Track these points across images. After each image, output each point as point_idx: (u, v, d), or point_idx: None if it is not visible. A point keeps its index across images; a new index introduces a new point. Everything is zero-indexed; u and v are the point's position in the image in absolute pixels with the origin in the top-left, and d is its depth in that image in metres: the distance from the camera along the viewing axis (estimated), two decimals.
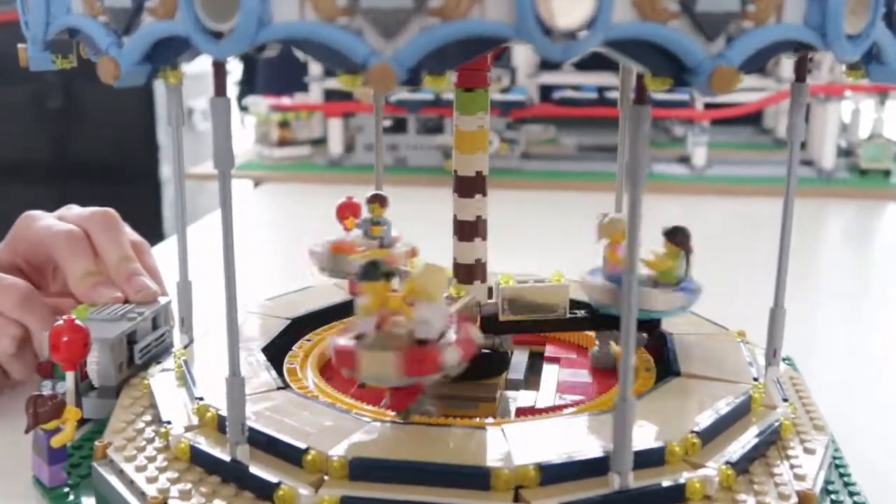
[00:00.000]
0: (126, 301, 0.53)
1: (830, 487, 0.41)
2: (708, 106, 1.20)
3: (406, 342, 0.37)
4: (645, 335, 0.49)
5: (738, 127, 1.41)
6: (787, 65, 1.22)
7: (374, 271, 0.38)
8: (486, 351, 0.49)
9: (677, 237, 0.46)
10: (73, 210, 0.58)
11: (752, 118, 1.42)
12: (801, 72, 0.42)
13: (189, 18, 0.30)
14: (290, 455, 0.38)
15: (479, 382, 0.48)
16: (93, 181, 1.87)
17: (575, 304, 0.49)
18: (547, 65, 1.28)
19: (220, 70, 0.34)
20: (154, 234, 0.62)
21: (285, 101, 1.30)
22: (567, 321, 0.48)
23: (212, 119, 0.35)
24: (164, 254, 0.61)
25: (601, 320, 0.48)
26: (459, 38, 0.29)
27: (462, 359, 0.38)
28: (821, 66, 1.17)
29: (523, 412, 0.46)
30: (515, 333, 0.49)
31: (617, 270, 0.45)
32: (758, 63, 0.31)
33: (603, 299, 0.46)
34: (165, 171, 1.97)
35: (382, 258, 0.40)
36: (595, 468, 0.37)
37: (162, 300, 0.54)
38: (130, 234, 0.59)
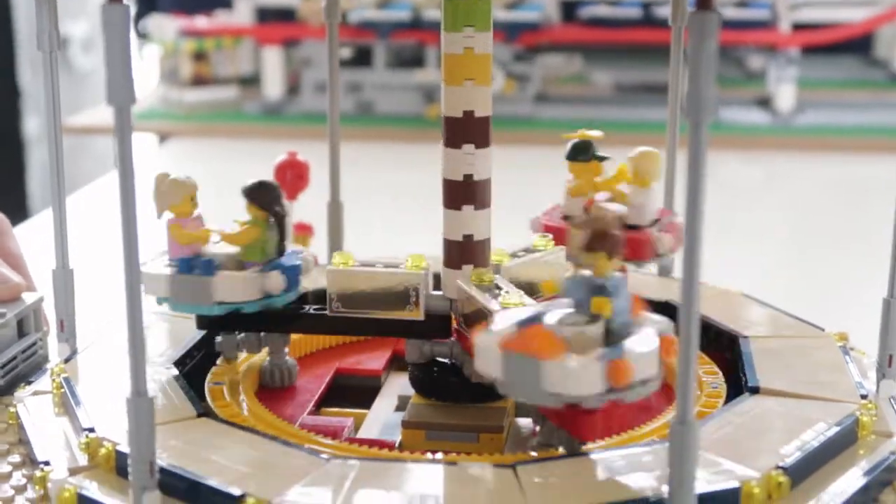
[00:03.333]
0: None
1: None
2: (797, 27, 1.21)
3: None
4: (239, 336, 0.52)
5: (839, 57, 1.43)
6: None
7: (580, 152, 0.51)
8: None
9: (261, 197, 0.48)
10: None
11: (860, 44, 1.43)
12: None
13: None
14: None
15: (481, 406, 0.49)
16: None
17: None
18: None
19: None
20: (15, 210, 0.62)
21: (201, 22, 1.30)
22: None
23: (104, 35, 0.35)
24: (29, 236, 0.61)
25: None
26: None
27: (674, 248, 0.50)
28: None
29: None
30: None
31: (181, 252, 0.48)
32: None
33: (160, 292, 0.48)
34: (30, 125, 1.97)
35: (592, 139, 0.52)
36: None
37: (29, 297, 0.54)
38: None
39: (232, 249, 0.49)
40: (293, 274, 0.49)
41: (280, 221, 0.49)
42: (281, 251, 0.50)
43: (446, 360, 0.50)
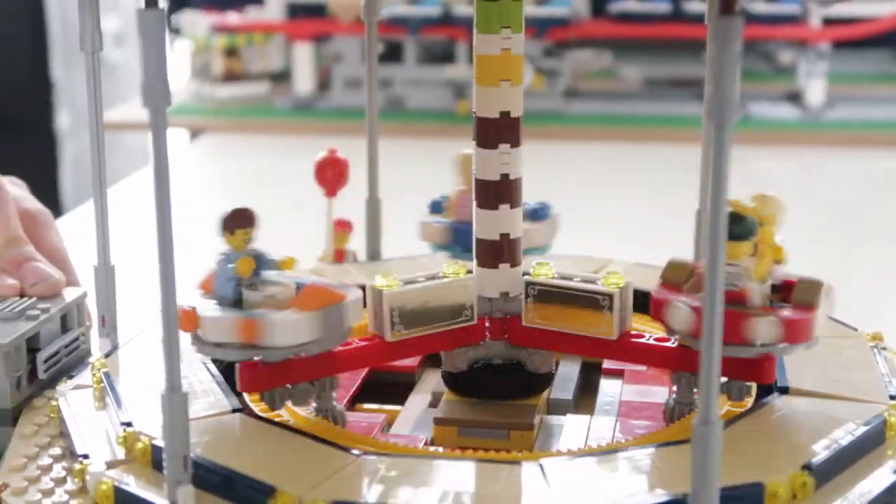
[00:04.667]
0: (21, 294, 0.54)
1: None
2: (827, 22, 1.20)
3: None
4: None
5: (869, 51, 1.42)
6: None
7: (749, 226, 0.44)
8: (515, 363, 0.51)
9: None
10: None
11: (891, 39, 1.41)
12: None
13: None
14: (251, 499, 0.39)
15: (512, 404, 0.50)
16: None
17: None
18: None
19: None
20: (49, 205, 0.62)
21: (232, 18, 1.31)
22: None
23: (140, 39, 0.36)
24: (65, 231, 0.62)
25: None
26: None
27: None
28: None
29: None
30: (537, 346, 0.50)
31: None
32: None
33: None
34: (63, 119, 1.98)
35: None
36: None
37: (72, 293, 0.55)
38: (25, 199, 0.60)
39: None
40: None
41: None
42: None
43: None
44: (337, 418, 0.47)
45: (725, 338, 0.36)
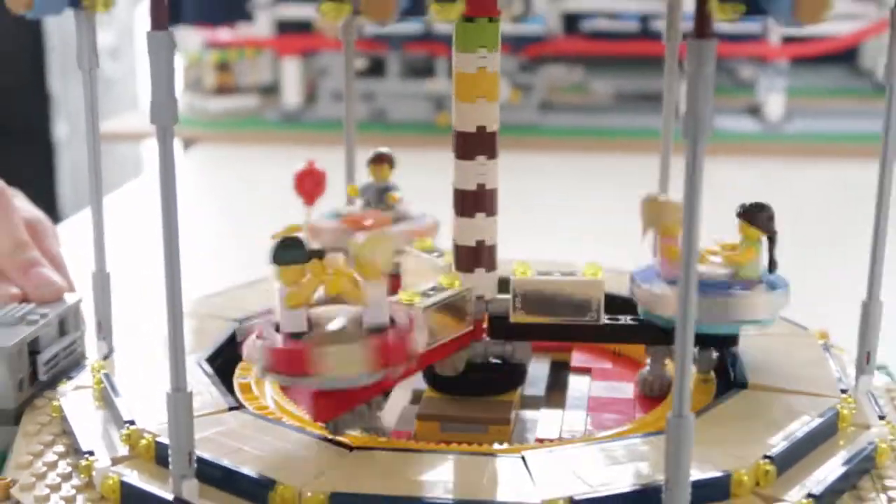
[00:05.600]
0: (24, 299, 0.54)
1: None
2: (786, 40, 1.22)
3: (361, 332, 0.41)
4: (714, 355, 0.50)
5: (825, 67, 1.43)
6: None
7: (294, 252, 0.41)
8: (496, 361, 0.51)
9: (759, 217, 0.47)
10: None
11: (846, 56, 1.43)
12: None
13: None
14: (251, 491, 0.40)
15: (488, 400, 0.51)
16: None
17: (616, 307, 0.50)
18: None
19: None
20: (46, 212, 0.62)
21: (223, 34, 1.31)
22: (604, 329, 0.49)
23: (149, 59, 0.36)
24: (62, 239, 0.62)
25: (653, 331, 0.49)
26: None
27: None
28: None
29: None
30: (531, 339, 0.51)
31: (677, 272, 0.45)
32: None
33: (662, 310, 0.47)
34: (61, 129, 1.97)
35: (297, 233, 0.42)
36: (643, 503, 0.39)
37: (70, 298, 0.55)
38: (25, 208, 0.60)
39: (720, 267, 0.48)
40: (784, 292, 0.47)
41: (772, 241, 0.47)
42: (773, 269, 0.48)
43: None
44: (380, 433, 0.46)
45: None
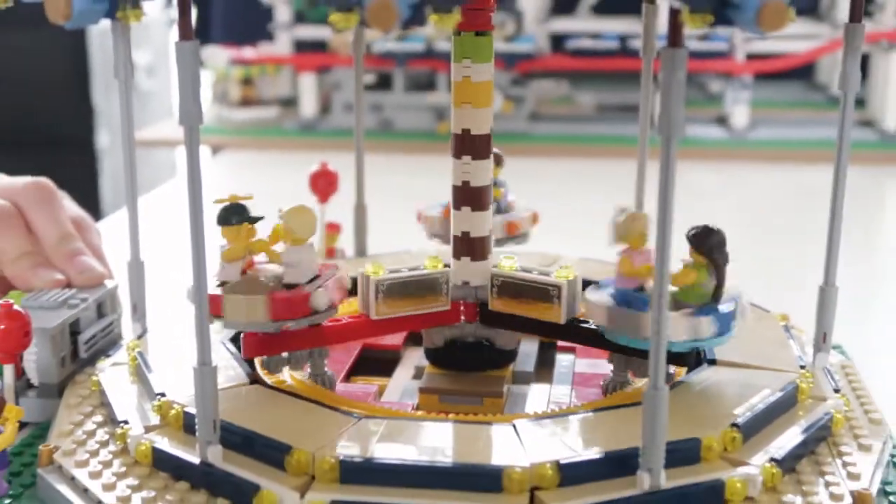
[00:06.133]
0: (67, 285, 0.54)
1: (889, 488, 0.43)
2: (750, 57, 1.21)
3: (274, 286, 0.44)
4: (671, 370, 0.47)
5: (785, 82, 1.43)
6: (844, 7, 1.23)
7: (232, 216, 0.45)
8: (484, 342, 0.51)
9: (704, 243, 0.42)
10: (1, 180, 0.59)
11: (803, 72, 1.43)
12: (857, 10, 0.43)
13: None
14: (270, 456, 0.40)
15: (483, 375, 0.50)
16: (10, 151, 1.87)
17: None
18: (560, 8, 1.29)
19: (185, 9, 0.36)
20: (90, 211, 0.62)
21: (247, 52, 1.31)
22: (568, 328, 0.47)
23: (177, 66, 0.36)
24: (103, 233, 0.62)
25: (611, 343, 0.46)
26: None
27: (333, 303, 0.45)
28: (884, 9, 1.18)
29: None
30: (507, 328, 0.50)
31: (628, 285, 0.42)
32: None
33: (603, 322, 0.43)
34: (103, 138, 1.97)
35: (240, 201, 0.45)
36: (622, 466, 0.38)
37: (108, 284, 0.55)
38: (71, 207, 0.60)
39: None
40: (726, 321, 0.43)
41: (719, 269, 0.43)
42: (717, 298, 0.43)
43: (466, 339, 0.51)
44: (326, 382, 0.48)
45: None
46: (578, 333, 0.48)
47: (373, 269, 0.48)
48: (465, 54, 0.47)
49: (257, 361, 0.49)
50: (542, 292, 0.48)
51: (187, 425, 0.43)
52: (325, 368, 0.48)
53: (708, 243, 0.42)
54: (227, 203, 0.45)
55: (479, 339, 0.51)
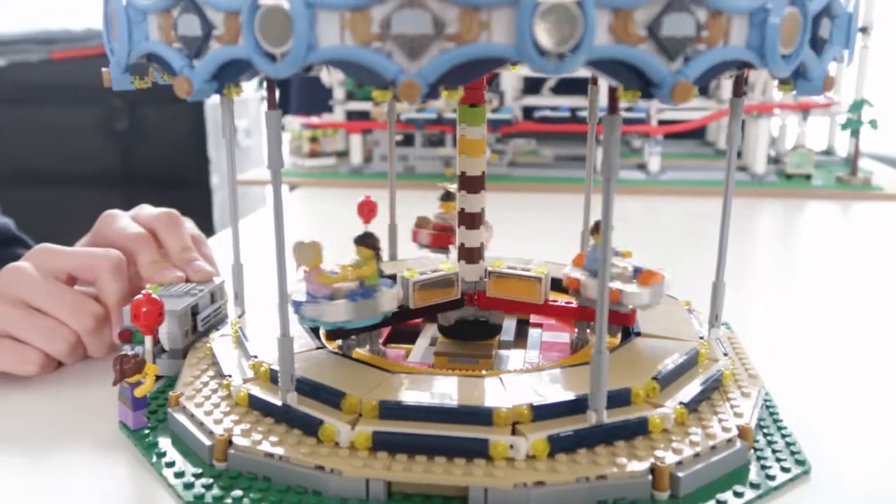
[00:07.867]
0: (187, 280, 0.54)
1: (762, 423, 0.43)
2: (661, 122, 1.21)
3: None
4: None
5: (685, 140, 1.43)
6: (726, 88, 1.23)
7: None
8: (483, 320, 0.50)
9: (368, 242, 0.41)
10: (145, 210, 0.59)
11: (697, 133, 1.43)
12: (739, 89, 0.43)
13: (250, 44, 0.31)
14: (330, 400, 0.39)
15: (479, 343, 0.50)
16: (152, 189, 1.89)
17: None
18: (529, 89, 1.29)
19: (272, 88, 0.35)
20: (205, 232, 0.62)
21: (314, 120, 1.31)
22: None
23: (266, 128, 0.36)
24: (214, 247, 0.62)
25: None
26: (471, 59, 0.30)
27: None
28: (754, 88, 1.18)
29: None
30: (500, 309, 0.50)
31: (320, 292, 0.40)
32: (709, 78, 0.32)
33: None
34: (214, 179, 1.98)
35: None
36: (577, 407, 0.38)
37: (217, 279, 0.55)
38: (191, 229, 0.60)
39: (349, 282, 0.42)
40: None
41: (379, 259, 0.43)
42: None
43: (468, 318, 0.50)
44: (379, 353, 0.47)
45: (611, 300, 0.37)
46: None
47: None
48: (465, 120, 0.47)
49: (322, 333, 0.49)
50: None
51: (273, 378, 0.42)
52: (380, 345, 0.47)
53: (370, 241, 0.42)
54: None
55: (477, 317, 0.50)
